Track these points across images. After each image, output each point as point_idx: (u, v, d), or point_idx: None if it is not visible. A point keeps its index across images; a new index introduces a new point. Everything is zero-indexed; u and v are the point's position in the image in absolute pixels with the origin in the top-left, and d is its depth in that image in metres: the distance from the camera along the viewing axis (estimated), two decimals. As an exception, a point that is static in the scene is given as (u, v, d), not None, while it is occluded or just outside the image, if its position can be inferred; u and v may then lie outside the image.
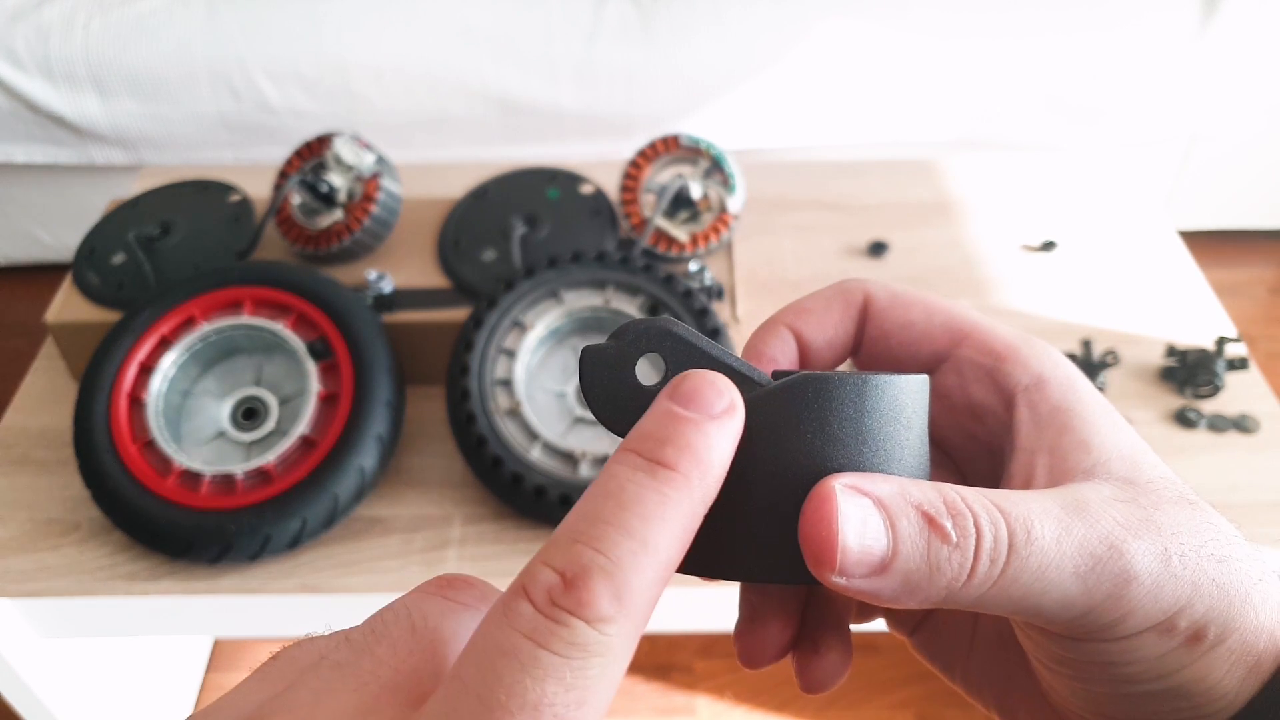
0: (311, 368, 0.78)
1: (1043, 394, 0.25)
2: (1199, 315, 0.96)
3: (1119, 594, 0.21)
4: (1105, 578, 0.21)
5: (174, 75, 1.51)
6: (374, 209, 0.88)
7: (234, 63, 1.50)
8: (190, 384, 0.82)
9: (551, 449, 0.76)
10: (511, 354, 0.80)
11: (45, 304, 0.88)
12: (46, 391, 0.90)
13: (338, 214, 0.89)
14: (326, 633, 0.22)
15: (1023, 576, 0.21)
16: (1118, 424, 0.25)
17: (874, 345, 0.27)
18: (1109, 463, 0.24)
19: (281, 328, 0.79)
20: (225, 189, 0.98)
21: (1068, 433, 0.24)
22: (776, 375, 0.25)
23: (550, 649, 0.18)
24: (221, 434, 0.79)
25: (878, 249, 1.02)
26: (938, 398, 0.27)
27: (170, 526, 0.73)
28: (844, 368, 0.28)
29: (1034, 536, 0.21)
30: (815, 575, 0.22)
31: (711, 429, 0.21)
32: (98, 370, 0.78)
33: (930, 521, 0.21)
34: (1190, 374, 0.87)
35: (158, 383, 0.79)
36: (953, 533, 0.21)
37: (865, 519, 0.21)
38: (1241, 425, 0.85)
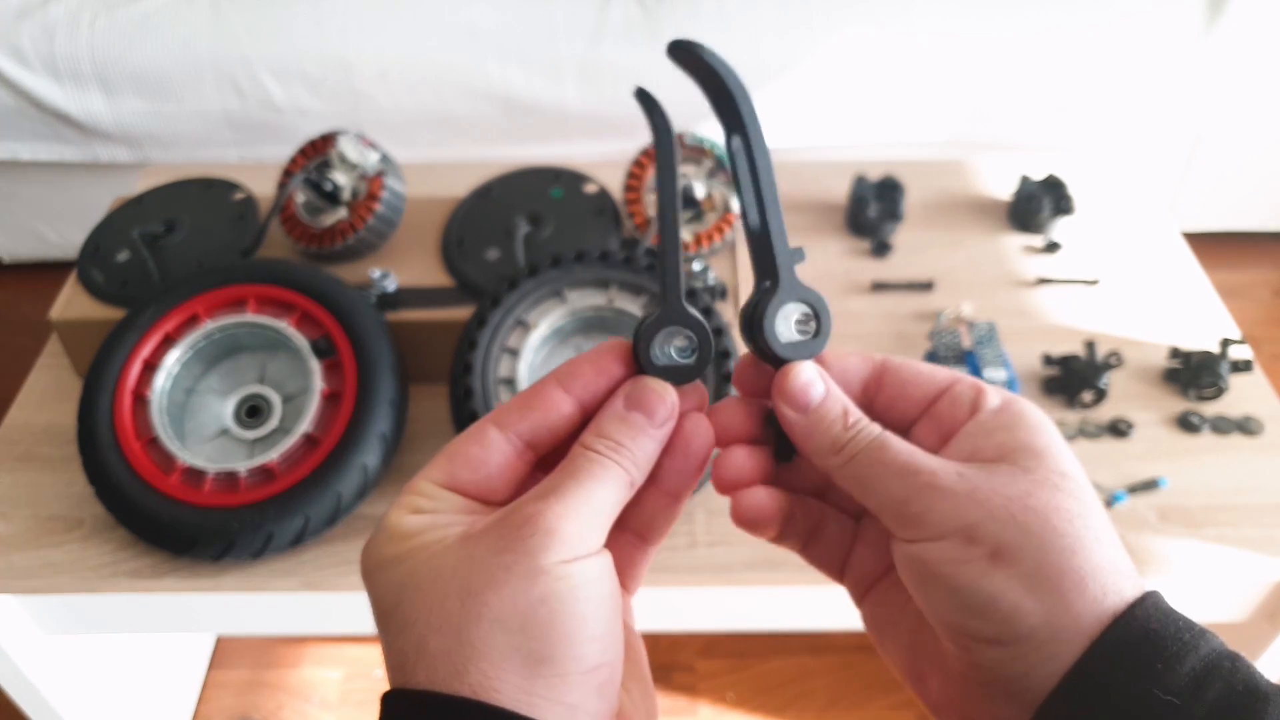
0: (315, 366, 0.78)
1: (1003, 409, 0.32)
2: (1203, 317, 0.96)
3: (924, 494, 0.30)
4: (917, 484, 0.30)
5: (179, 73, 1.51)
6: (378, 207, 0.88)
7: (238, 61, 1.51)
8: (194, 381, 0.82)
9: (554, 448, 0.76)
10: (515, 353, 0.80)
11: (50, 301, 0.88)
12: (50, 388, 0.91)
13: (342, 212, 0.89)
14: None
15: (864, 461, 0.31)
16: (1054, 440, 0.31)
17: (892, 389, 0.34)
18: (1016, 452, 0.30)
19: (285, 326, 0.80)
20: (230, 187, 0.98)
21: (1001, 431, 0.31)
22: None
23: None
24: (225, 431, 0.80)
25: (881, 249, 1.02)
26: (934, 419, 0.33)
27: (173, 524, 0.73)
28: (859, 356, 0.35)
29: (887, 447, 0.31)
30: (774, 396, 0.33)
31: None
32: (102, 367, 0.78)
33: (845, 412, 0.33)
34: (1194, 376, 0.87)
35: (161, 380, 0.79)
36: (851, 419, 0.32)
37: (815, 382, 0.33)
38: (1245, 427, 0.85)
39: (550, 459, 0.34)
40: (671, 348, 0.33)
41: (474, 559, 0.28)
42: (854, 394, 0.34)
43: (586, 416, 0.33)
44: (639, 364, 0.33)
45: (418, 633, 0.28)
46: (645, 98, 0.34)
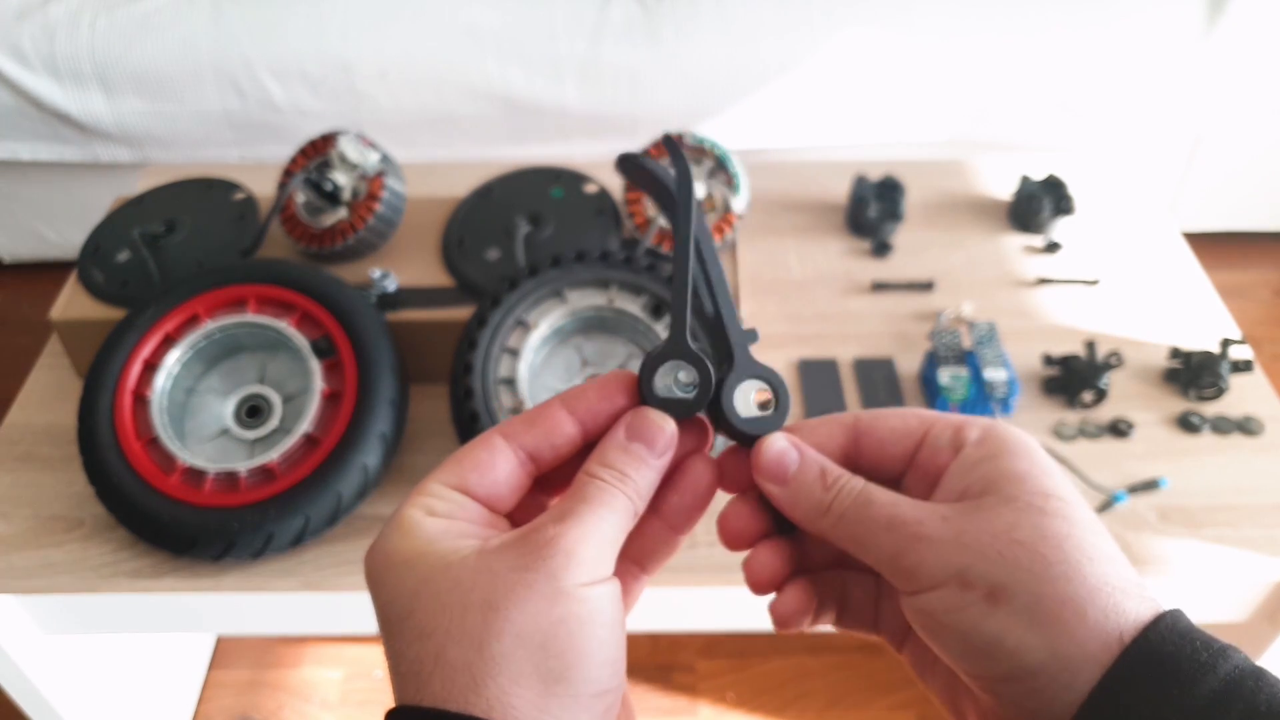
0: (315, 366, 0.78)
1: (983, 440, 0.32)
2: (1203, 317, 0.96)
3: (913, 547, 0.30)
4: (905, 537, 0.30)
5: (179, 73, 1.51)
6: (378, 207, 0.88)
7: (239, 61, 1.51)
8: (194, 381, 0.82)
9: (554, 448, 0.76)
10: (515, 353, 0.80)
11: (50, 301, 0.88)
12: (51, 388, 0.91)
13: (342, 212, 0.89)
14: None
15: (852, 520, 0.32)
16: (1035, 460, 0.31)
17: (870, 451, 0.34)
18: (998, 481, 0.30)
19: (285, 326, 0.80)
20: (230, 187, 0.98)
21: (984, 462, 0.31)
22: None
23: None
24: (225, 431, 0.80)
25: (881, 249, 1.02)
26: (918, 469, 0.34)
27: (173, 524, 0.73)
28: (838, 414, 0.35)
29: (871, 502, 0.32)
30: (754, 475, 0.34)
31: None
32: (102, 367, 0.78)
33: (822, 474, 0.33)
34: (1194, 376, 0.87)
35: (162, 380, 0.79)
36: (829, 479, 0.33)
37: (789, 451, 0.33)
38: (1246, 428, 0.85)
39: (551, 477, 0.34)
40: (674, 382, 0.34)
41: (495, 573, 0.29)
42: (834, 462, 0.34)
43: (588, 440, 0.34)
44: (641, 395, 0.34)
45: (437, 642, 0.28)
46: (671, 144, 0.36)
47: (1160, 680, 0.26)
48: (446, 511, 0.31)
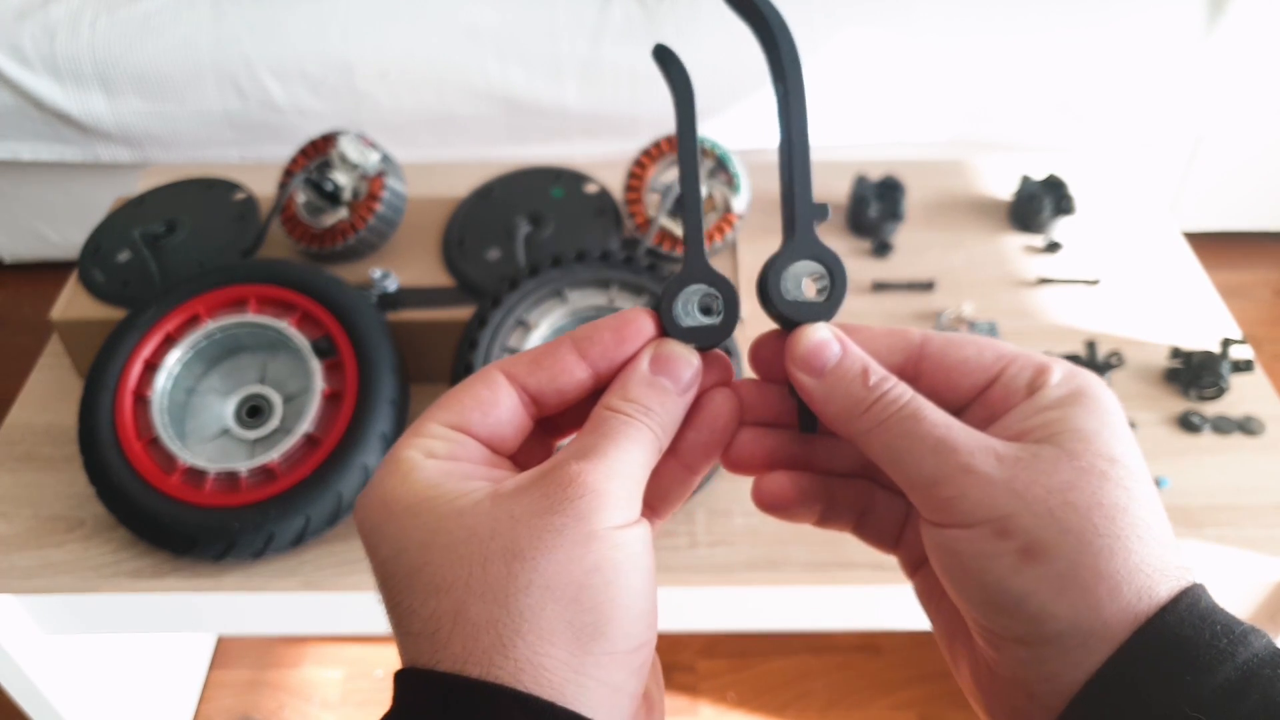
0: (316, 366, 0.78)
1: (1062, 384, 0.30)
2: (1204, 317, 0.96)
3: (958, 478, 0.28)
4: (952, 465, 0.28)
5: (180, 74, 1.51)
6: (379, 207, 0.88)
7: (239, 61, 1.51)
8: (195, 381, 0.82)
9: (555, 448, 0.76)
10: (515, 353, 0.80)
11: (51, 301, 0.88)
12: (52, 388, 0.91)
13: (342, 212, 0.89)
14: None
15: (894, 430, 0.29)
16: (1109, 420, 0.29)
17: (934, 377, 0.31)
18: (1063, 434, 0.28)
19: (286, 326, 0.80)
20: (230, 187, 0.98)
21: (1054, 409, 0.29)
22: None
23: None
24: (226, 432, 0.80)
25: (882, 249, 1.02)
26: (984, 405, 0.31)
27: (174, 524, 0.73)
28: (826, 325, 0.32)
29: (921, 418, 0.29)
30: (786, 362, 0.31)
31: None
32: (103, 367, 0.78)
33: (865, 372, 0.30)
34: (1195, 376, 0.87)
35: (162, 380, 0.79)
36: (872, 379, 0.30)
37: (830, 343, 0.31)
38: (1246, 427, 0.85)
39: (556, 421, 0.32)
40: (696, 307, 0.32)
41: (515, 519, 0.26)
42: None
43: (600, 384, 0.31)
44: (663, 325, 0.31)
45: (455, 598, 0.25)
46: (663, 54, 0.32)
47: (1173, 666, 0.25)
48: (447, 452, 0.29)
